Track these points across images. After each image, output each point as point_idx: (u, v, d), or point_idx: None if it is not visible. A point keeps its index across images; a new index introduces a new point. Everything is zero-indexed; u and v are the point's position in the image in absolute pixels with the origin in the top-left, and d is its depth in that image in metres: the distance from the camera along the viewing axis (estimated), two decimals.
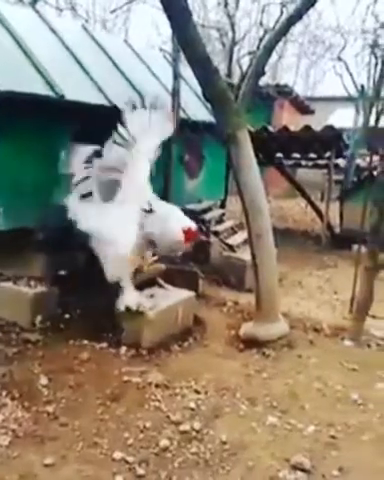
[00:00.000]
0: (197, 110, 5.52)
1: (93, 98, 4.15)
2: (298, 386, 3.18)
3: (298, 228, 9.29)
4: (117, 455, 2.38)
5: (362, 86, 7.83)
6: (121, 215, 3.59)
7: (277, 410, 2.91)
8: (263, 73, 4.07)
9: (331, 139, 6.59)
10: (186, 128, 5.10)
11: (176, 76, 4.79)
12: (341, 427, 2.73)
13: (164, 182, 4.78)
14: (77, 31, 5.18)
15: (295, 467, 2.38)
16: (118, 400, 2.88)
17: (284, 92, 12.62)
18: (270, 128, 7.09)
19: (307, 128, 6.66)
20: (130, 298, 3.60)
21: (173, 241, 3.59)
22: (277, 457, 2.46)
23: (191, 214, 5.78)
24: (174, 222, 3.61)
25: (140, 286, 3.93)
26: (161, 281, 4.16)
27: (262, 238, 3.92)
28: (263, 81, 12.24)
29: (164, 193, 4.75)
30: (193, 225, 3.68)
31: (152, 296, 3.92)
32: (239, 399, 3.01)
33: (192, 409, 2.85)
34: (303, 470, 2.37)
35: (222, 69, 11.38)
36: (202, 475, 2.31)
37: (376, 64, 6.30)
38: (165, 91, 5.28)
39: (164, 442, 2.51)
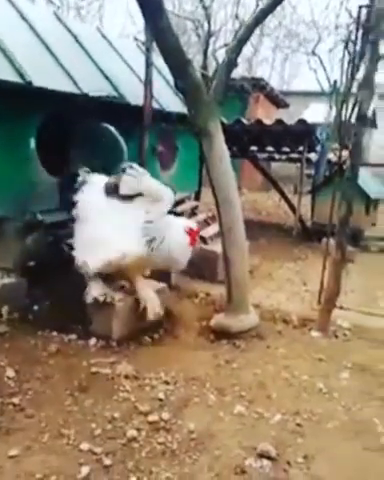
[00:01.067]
0: (170, 101, 5.48)
1: (63, 86, 4.07)
2: (266, 376, 3.23)
3: (271, 221, 9.39)
4: (84, 446, 2.37)
5: (335, 81, 7.93)
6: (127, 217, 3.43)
7: (245, 400, 2.95)
8: (235, 65, 4.07)
9: (303, 133, 6.66)
10: (159, 119, 5.07)
11: (149, 66, 4.73)
12: (307, 415, 2.79)
13: None
14: (49, 18, 5.06)
15: (261, 455, 2.41)
16: (86, 391, 2.87)
17: (259, 85, 12.68)
18: (244, 121, 7.11)
19: (279, 122, 6.71)
20: (97, 289, 3.55)
21: (180, 247, 3.44)
22: (244, 445, 2.50)
23: None
24: (175, 224, 3.49)
25: (110, 277, 3.90)
26: None
27: (233, 231, 3.94)
28: (238, 74, 12.28)
29: None
30: (192, 223, 3.59)
31: (122, 287, 3.90)
32: (208, 389, 3.04)
33: (161, 400, 2.85)
34: (269, 458, 2.40)
35: (197, 61, 11.34)
36: (169, 464, 2.33)
37: (349, 60, 6.36)
38: (138, 81, 5.23)
39: (132, 432, 2.51)
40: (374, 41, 3.51)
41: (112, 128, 4.42)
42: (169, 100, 5.46)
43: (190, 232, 3.47)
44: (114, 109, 4.62)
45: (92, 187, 3.67)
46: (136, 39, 7.17)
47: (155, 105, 5.02)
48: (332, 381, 3.21)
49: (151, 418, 2.65)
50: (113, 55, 5.54)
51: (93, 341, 3.48)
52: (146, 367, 3.20)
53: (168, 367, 3.23)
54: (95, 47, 5.15)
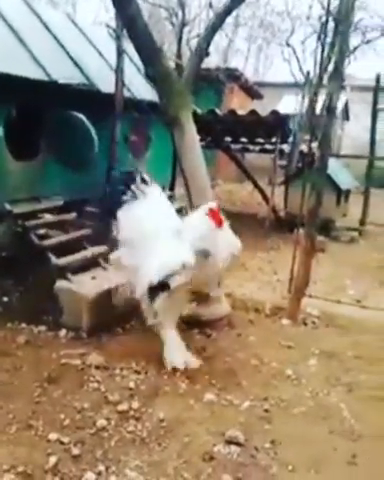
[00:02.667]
0: (142, 89, 5.44)
1: (31, 73, 3.99)
2: (236, 364, 3.27)
3: (245, 212, 9.44)
4: (52, 436, 2.36)
5: (307, 72, 7.99)
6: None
7: (215, 387, 2.98)
8: (207, 54, 4.06)
9: (275, 124, 6.68)
10: (131, 107, 5.02)
11: (120, 53, 4.67)
12: (275, 401, 2.84)
13: (107, 162, 4.69)
14: (18, 5, 4.93)
15: (229, 441, 2.45)
16: (56, 383, 2.85)
17: (234, 76, 12.63)
18: (217, 111, 7.10)
19: (252, 112, 6.72)
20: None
21: (206, 232, 3.02)
22: (213, 432, 2.53)
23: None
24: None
25: (82, 268, 3.88)
26: (103, 263, 4.11)
27: None
28: (213, 64, 12.22)
29: (107, 175, 4.66)
30: (211, 202, 3.17)
31: (94, 278, 3.88)
32: (179, 378, 3.06)
33: (131, 389, 2.86)
34: (237, 443, 2.45)
35: (172, 50, 11.23)
36: (138, 452, 2.34)
37: (322, 51, 6.43)
38: (109, 68, 5.16)
39: (101, 422, 2.51)
40: (343, 33, 3.54)
41: (82, 116, 4.36)
42: (141, 88, 5.41)
43: (211, 213, 3.02)
44: (85, 97, 4.55)
45: (145, 202, 3.26)
46: (108, 26, 7.04)
47: (126, 93, 4.98)
48: (300, 367, 3.27)
49: (121, 407, 2.65)
50: (84, 42, 5.45)
51: (63, 332, 3.46)
52: (117, 357, 3.20)
53: (139, 357, 3.23)
54: (66, 34, 5.06)
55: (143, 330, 3.74)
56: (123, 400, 2.73)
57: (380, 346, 3.65)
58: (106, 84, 4.76)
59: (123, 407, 2.66)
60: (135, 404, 2.70)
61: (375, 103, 7.68)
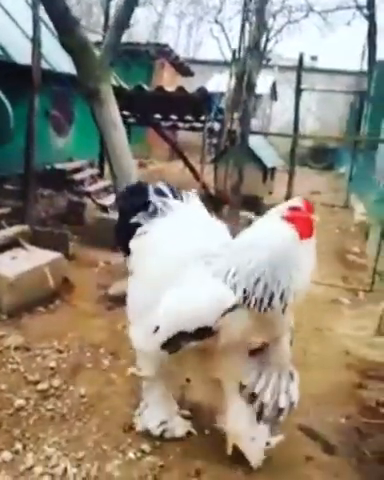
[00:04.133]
0: (62, 61, 5.21)
1: None
2: None
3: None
4: None
5: (234, 50, 8.01)
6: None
7: None
8: (127, 26, 3.95)
9: (203, 101, 6.69)
10: (50, 80, 4.81)
11: (36, 22, 4.43)
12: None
13: (26, 139, 4.48)
14: None
15: None
16: None
17: (164, 52, 12.46)
18: (145, 87, 6.98)
19: (180, 89, 6.69)
20: (154, 415, 2.39)
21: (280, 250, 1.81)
22: (133, 404, 2.56)
23: (60, 174, 5.60)
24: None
25: (0, 248, 3.73)
26: (24, 242, 3.98)
27: None
28: (143, 39, 11.97)
29: (26, 152, 4.46)
30: (294, 200, 1.91)
31: (14, 258, 3.75)
32: (102, 354, 3.07)
33: (52, 368, 2.83)
34: None
35: (100, 22, 10.84)
36: (57, 429, 2.34)
37: (242, 28, 6.47)
38: (26, 39, 4.89)
39: (19, 402, 2.47)
40: (259, 10, 3.58)
41: None
42: (61, 60, 5.18)
43: (291, 216, 1.83)
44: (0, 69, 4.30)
45: (168, 221, 2.21)
46: None
47: (45, 65, 4.75)
48: None
49: (41, 387, 2.63)
50: None
51: None
52: (38, 337, 3.14)
53: (62, 336, 3.20)
54: None
55: (67, 309, 3.71)
56: (43, 379, 2.70)
57: None
58: (23, 56, 4.52)
59: (43, 386, 2.63)
60: (56, 382, 2.69)
61: (299, 83, 7.87)
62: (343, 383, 2.94)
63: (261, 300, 1.80)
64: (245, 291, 1.82)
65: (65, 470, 2.07)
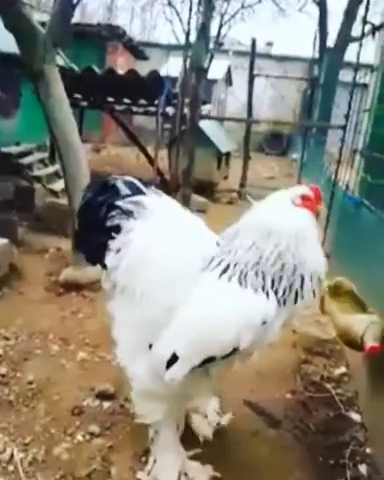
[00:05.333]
0: (7, 40, 4.98)
1: None
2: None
3: (131, 175, 9.36)
4: None
5: (187, 33, 7.93)
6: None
7: (89, 346, 3.01)
8: (73, 6, 3.82)
9: (155, 85, 6.60)
10: None
11: None
12: None
13: None
14: None
15: (99, 395, 2.52)
16: None
17: (116, 34, 12.17)
18: (95, 69, 6.80)
19: (131, 72, 6.57)
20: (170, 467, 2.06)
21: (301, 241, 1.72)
22: (83, 387, 2.57)
23: (6, 158, 5.41)
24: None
25: None
26: None
27: (78, 181, 3.85)
28: (95, 20, 11.63)
29: None
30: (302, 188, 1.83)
31: None
32: (52, 340, 3.04)
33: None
34: (107, 397, 2.52)
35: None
36: (4, 415, 2.31)
37: (189, 11, 6.42)
38: None
39: None
40: None
41: None
42: (6, 39, 4.95)
43: (304, 205, 1.78)
44: None
45: (152, 226, 1.86)
46: None
47: None
48: None
49: None
50: None
51: None
52: None
53: (9, 323, 3.15)
54: None
55: (16, 297, 3.64)
56: None
57: None
58: None
59: None
60: (3, 370, 2.65)
61: (251, 69, 7.93)
62: (289, 360, 3.04)
63: (296, 293, 1.68)
64: (273, 284, 1.65)
65: (11, 455, 2.05)
